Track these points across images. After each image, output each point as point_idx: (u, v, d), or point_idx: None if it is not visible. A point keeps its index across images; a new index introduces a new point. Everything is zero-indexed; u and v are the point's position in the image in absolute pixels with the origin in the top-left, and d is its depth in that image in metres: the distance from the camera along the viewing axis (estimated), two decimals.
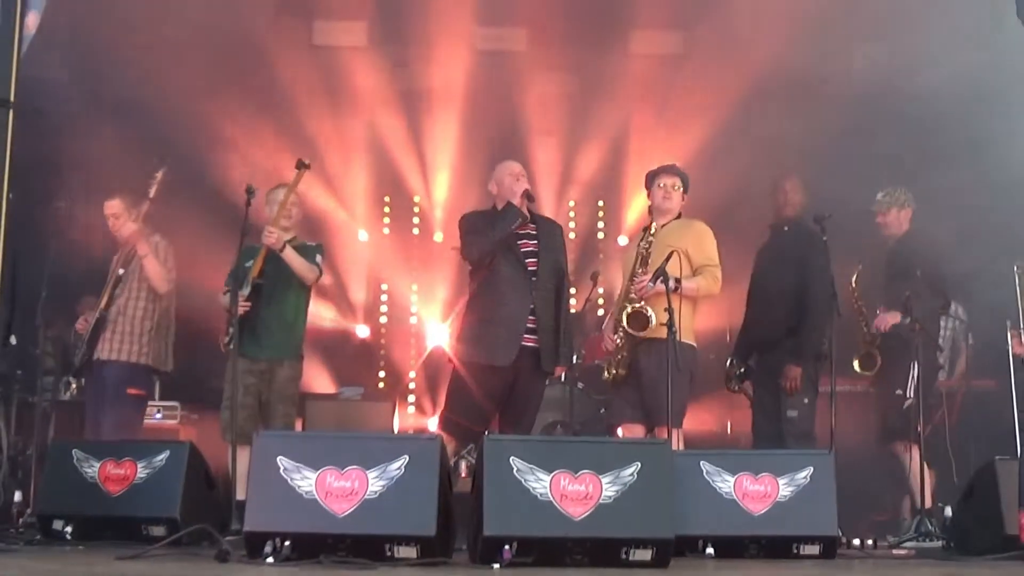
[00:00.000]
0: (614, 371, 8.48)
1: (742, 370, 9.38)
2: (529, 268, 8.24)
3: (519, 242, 8.29)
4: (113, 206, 9.16)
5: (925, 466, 8.64)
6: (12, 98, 7.03)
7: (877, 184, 9.57)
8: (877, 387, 9.35)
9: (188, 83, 10.62)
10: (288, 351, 8.82)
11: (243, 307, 8.44)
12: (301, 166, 8.57)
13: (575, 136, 12.93)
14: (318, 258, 8.92)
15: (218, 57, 10.52)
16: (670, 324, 7.85)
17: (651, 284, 8.14)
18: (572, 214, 14.12)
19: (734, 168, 11.14)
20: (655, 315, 8.13)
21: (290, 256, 8.64)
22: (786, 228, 9.32)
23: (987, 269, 9.33)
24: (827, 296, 8.46)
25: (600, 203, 14.14)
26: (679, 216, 8.66)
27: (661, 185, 8.62)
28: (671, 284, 8.08)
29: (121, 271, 9.03)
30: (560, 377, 8.69)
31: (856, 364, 9.21)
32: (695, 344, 8.45)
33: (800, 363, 8.88)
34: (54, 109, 9.58)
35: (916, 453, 8.71)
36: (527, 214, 8.32)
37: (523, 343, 8.14)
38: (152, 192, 8.95)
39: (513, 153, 12.28)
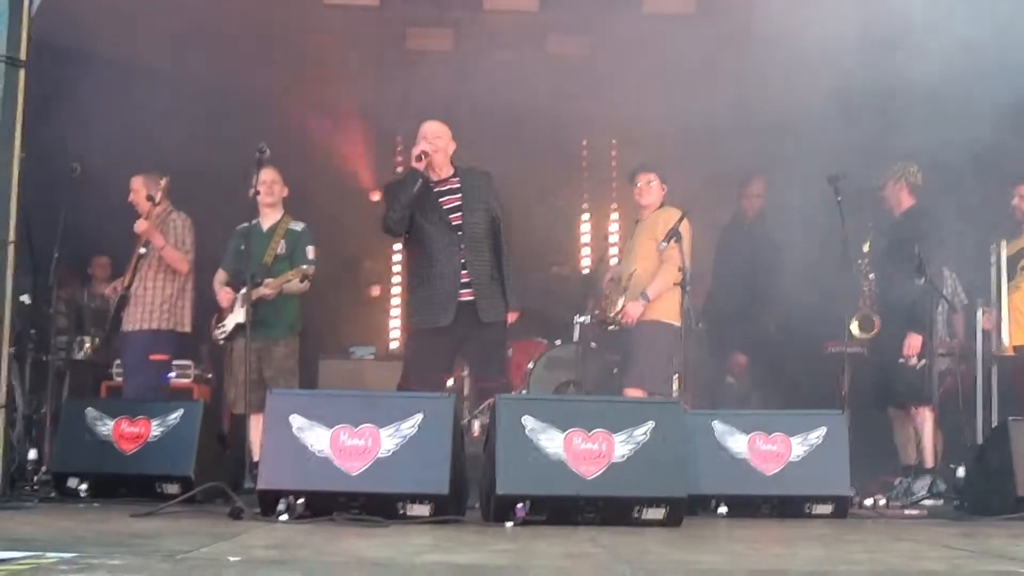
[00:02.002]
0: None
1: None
2: (454, 223, 8.13)
3: (441, 200, 8.20)
4: (135, 182, 9.52)
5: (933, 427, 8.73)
6: (24, 57, 7.03)
7: (890, 149, 9.58)
8: (874, 351, 9.33)
9: (201, 45, 10.58)
10: (282, 331, 9.10)
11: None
12: (304, 277, 8.89)
13: (588, 95, 12.86)
14: (309, 251, 9.16)
15: (232, 19, 10.46)
16: (684, 285, 8.07)
17: (664, 244, 8.48)
18: (586, 175, 14.07)
19: (745, 129, 11.11)
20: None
21: (288, 289, 8.98)
22: (745, 226, 10.28)
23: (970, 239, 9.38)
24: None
25: (613, 164, 14.06)
26: (662, 205, 9.16)
27: (638, 184, 9.21)
28: (642, 302, 8.76)
29: (143, 250, 9.33)
30: (509, 320, 8.45)
31: (855, 326, 9.18)
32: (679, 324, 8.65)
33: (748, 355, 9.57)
34: (68, 73, 9.53)
35: (926, 414, 8.75)
36: (427, 175, 8.15)
37: (460, 299, 8.03)
38: (158, 197, 9.28)
39: (523, 113, 12.31)
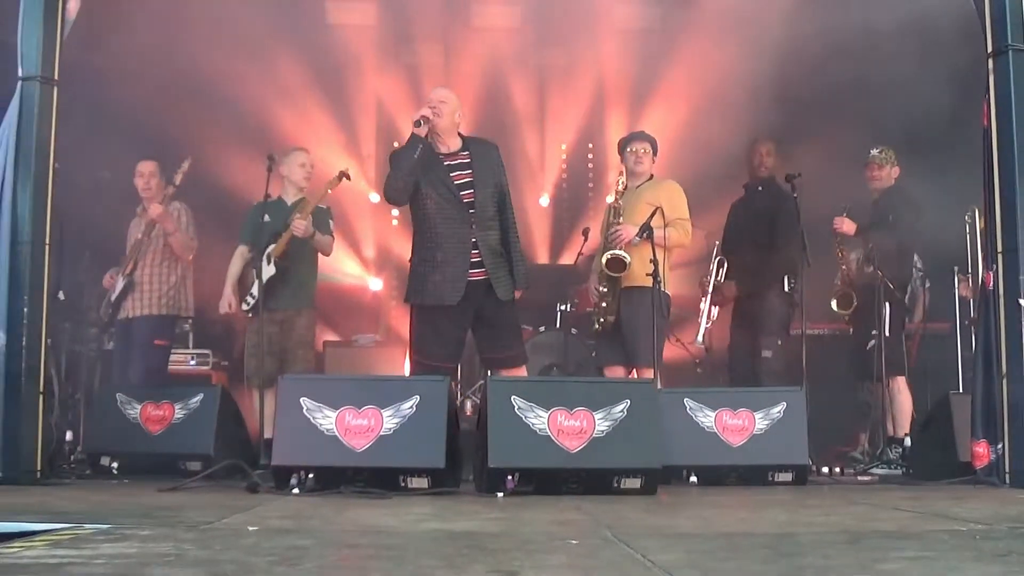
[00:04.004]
0: (602, 320, 8.35)
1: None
2: (465, 200, 7.43)
3: (452, 174, 7.48)
4: (149, 166, 9.21)
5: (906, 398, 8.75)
6: (56, 76, 7.03)
7: (855, 145, 9.57)
8: (853, 329, 9.33)
9: (216, 62, 10.57)
10: (304, 303, 8.86)
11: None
12: (342, 175, 8.70)
13: (566, 106, 12.91)
14: (330, 224, 8.94)
15: (242, 38, 10.46)
16: (655, 275, 7.82)
17: (637, 239, 8.06)
18: (564, 176, 14.07)
19: (710, 134, 11.13)
20: (630, 258, 8.05)
21: (318, 240, 8.71)
22: (760, 188, 9.44)
23: (946, 215, 9.25)
24: (797, 248, 8.50)
25: (590, 164, 14.06)
26: (651, 177, 8.59)
27: (632, 150, 8.54)
28: (644, 233, 8.05)
29: (140, 236, 9.11)
30: (519, 296, 7.78)
31: (834, 303, 9.12)
32: (669, 292, 8.40)
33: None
34: (94, 89, 9.51)
35: (889, 387, 8.73)
36: (432, 142, 7.50)
37: (471, 279, 7.38)
38: (178, 180, 9.01)
39: (507, 123, 12.31)
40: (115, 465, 7.55)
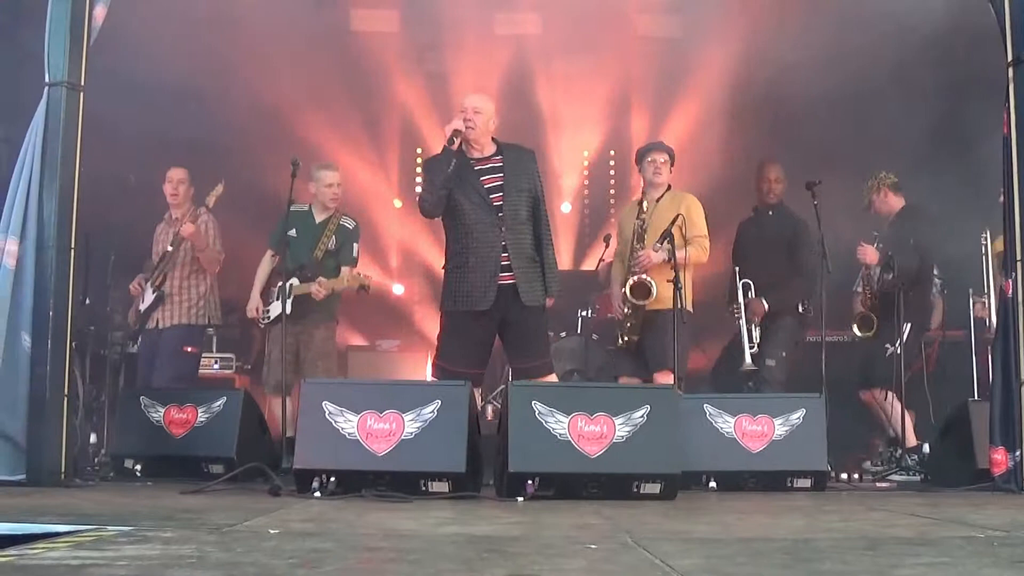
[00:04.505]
0: (627, 338, 8.40)
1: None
2: (495, 204, 7.36)
3: (483, 179, 7.43)
4: (179, 172, 9.29)
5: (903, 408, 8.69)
6: (83, 82, 7.05)
7: (869, 153, 9.53)
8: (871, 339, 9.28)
9: (239, 68, 10.61)
10: (323, 317, 8.93)
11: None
12: (363, 287, 8.83)
13: (588, 113, 12.90)
14: (355, 248, 9.05)
15: (268, 45, 10.50)
16: (676, 281, 7.82)
17: (658, 244, 8.11)
18: (586, 183, 14.06)
19: (727, 140, 11.13)
20: (655, 285, 8.10)
21: (336, 290, 8.81)
22: (770, 212, 9.32)
23: (960, 232, 9.21)
24: (812, 273, 8.63)
25: (611, 171, 14.04)
26: (669, 188, 8.59)
27: (651, 160, 8.52)
28: (664, 255, 8.08)
29: (170, 248, 9.15)
30: (549, 305, 7.78)
31: (855, 327, 9.10)
32: (691, 310, 8.36)
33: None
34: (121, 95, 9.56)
35: (895, 397, 8.69)
36: (465, 153, 7.45)
37: (500, 283, 7.32)
38: (211, 203, 9.11)
39: (529, 129, 12.29)
40: (138, 467, 7.57)
